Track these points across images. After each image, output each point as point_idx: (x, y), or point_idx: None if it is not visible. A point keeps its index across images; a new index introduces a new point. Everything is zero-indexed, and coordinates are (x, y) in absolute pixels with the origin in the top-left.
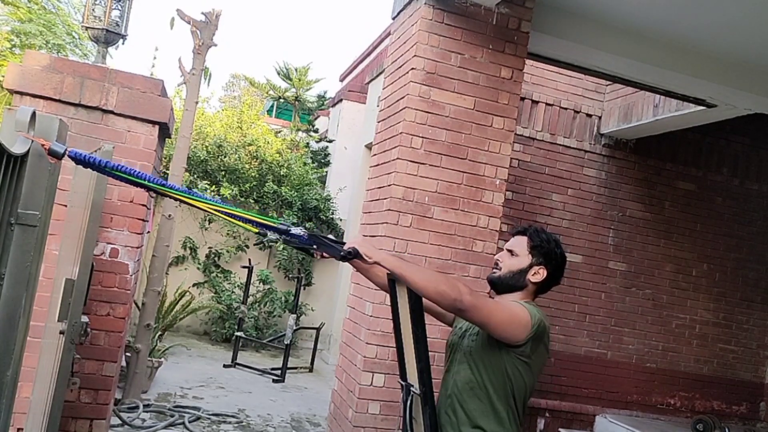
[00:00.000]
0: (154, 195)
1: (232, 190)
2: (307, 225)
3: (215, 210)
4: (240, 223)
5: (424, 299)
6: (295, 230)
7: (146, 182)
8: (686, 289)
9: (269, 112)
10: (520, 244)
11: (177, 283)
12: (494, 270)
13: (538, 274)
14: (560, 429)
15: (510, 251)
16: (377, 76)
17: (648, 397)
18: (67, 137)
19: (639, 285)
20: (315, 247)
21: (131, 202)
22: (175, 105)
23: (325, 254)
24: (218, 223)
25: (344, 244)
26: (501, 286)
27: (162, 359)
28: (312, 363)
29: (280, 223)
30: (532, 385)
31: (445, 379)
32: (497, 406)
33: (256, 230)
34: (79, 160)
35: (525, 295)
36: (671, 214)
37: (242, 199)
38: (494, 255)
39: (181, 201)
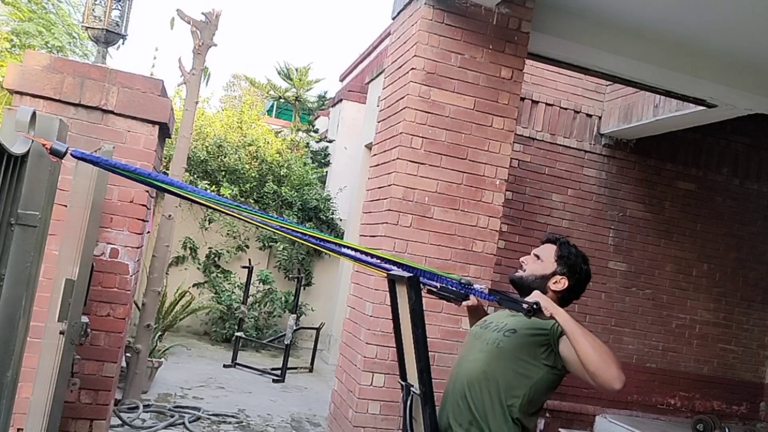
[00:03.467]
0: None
1: (232, 191)
2: (307, 225)
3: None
4: (376, 271)
5: (424, 300)
6: (477, 286)
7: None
8: (686, 289)
9: (269, 112)
10: (547, 251)
11: (177, 284)
12: (517, 270)
13: (559, 283)
14: (560, 429)
15: (536, 256)
16: (377, 76)
17: (648, 397)
18: (67, 137)
19: (639, 285)
20: (496, 299)
21: (131, 202)
22: (175, 105)
23: (464, 303)
24: (218, 224)
25: (523, 300)
26: (522, 287)
27: (162, 359)
28: (312, 363)
29: (459, 281)
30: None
31: (458, 365)
32: (503, 402)
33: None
34: (86, 160)
35: None
36: (671, 214)
37: (242, 199)
38: (494, 255)
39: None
